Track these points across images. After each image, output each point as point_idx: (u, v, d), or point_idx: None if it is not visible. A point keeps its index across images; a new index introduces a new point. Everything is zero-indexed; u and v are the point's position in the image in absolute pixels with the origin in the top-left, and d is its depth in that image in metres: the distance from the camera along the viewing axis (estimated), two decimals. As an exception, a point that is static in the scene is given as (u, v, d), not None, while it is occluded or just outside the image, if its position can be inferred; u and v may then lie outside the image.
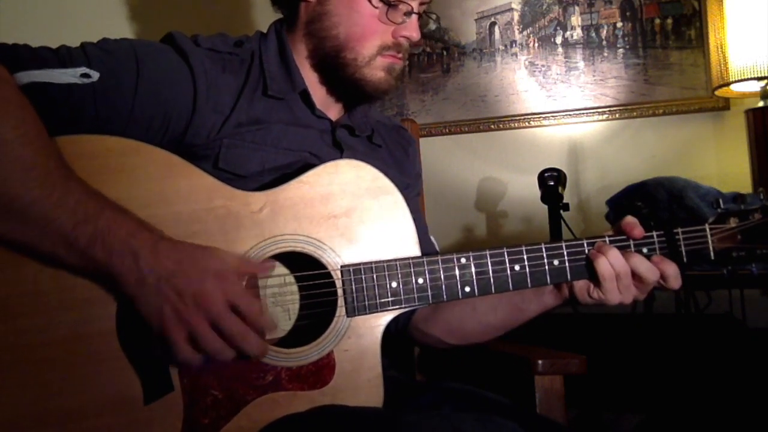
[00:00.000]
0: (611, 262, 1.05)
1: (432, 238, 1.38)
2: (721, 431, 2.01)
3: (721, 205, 1.09)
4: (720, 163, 2.59)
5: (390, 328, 1.05)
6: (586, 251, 1.08)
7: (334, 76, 1.19)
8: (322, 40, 1.18)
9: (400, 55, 1.20)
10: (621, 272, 1.05)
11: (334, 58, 1.17)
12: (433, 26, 1.25)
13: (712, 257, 1.09)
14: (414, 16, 1.18)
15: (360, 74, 1.17)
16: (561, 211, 2.09)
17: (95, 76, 0.99)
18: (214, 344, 0.90)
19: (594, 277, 1.06)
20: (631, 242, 1.08)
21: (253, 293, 1.00)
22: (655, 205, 1.93)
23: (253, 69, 1.15)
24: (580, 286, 1.10)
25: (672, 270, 1.06)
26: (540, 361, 1.30)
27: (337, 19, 1.16)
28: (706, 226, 1.09)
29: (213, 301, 0.88)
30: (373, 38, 1.16)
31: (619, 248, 1.06)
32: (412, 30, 1.18)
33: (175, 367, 0.95)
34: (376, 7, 1.15)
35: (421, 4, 1.20)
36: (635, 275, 1.05)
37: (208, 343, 0.89)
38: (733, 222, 1.09)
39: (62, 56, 0.99)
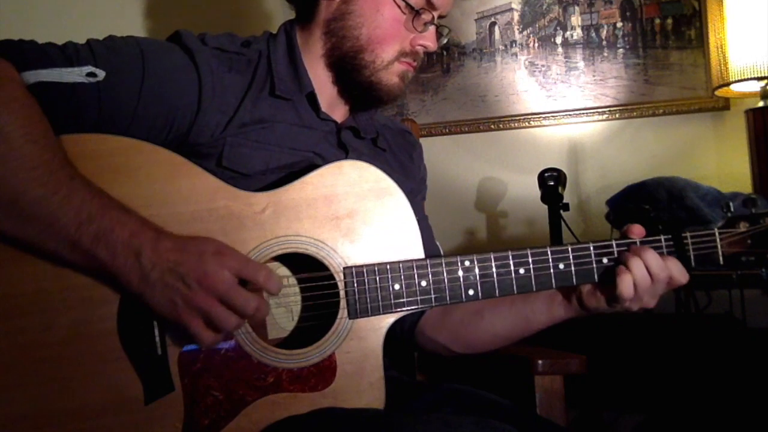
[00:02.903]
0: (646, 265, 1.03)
1: (437, 244, 1.37)
2: (721, 431, 2.01)
3: (731, 209, 1.08)
4: (720, 163, 2.59)
5: (395, 332, 1.05)
6: (592, 255, 1.07)
7: (349, 77, 1.19)
8: (342, 40, 1.17)
9: (415, 63, 1.21)
10: (651, 278, 1.03)
11: (351, 59, 1.17)
12: (444, 40, 1.25)
13: (721, 262, 1.07)
14: (432, 27, 1.19)
15: (376, 77, 1.17)
16: (561, 211, 2.09)
17: (101, 75, 0.99)
18: (229, 320, 0.90)
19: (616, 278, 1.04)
20: (638, 244, 1.07)
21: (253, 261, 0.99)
22: (655, 205, 1.94)
23: (259, 69, 1.14)
24: (589, 295, 1.10)
25: (674, 265, 1.05)
26: (540, 361, 1.30)
27: (362, 20, 1.16)
28: (716, 231, 1.08)
29: (217, 279, 0.88)
30: (394, 43, 1.17)
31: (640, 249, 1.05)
32: (430, 40, 1.19)
33: (177, 366, 0.95)
34: (404, 13, 1.16)
35: (439, 16, 1.20)
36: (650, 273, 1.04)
37: (224, 321, 0.90)
38: (742, 226, 1.07)
39: (69, 54, 0.99)
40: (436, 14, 1.18)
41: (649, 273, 1.03)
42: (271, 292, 0.95)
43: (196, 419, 0.95)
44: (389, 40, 1.16)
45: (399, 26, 1.16)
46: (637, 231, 1.09)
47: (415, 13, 1.16)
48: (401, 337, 1.27)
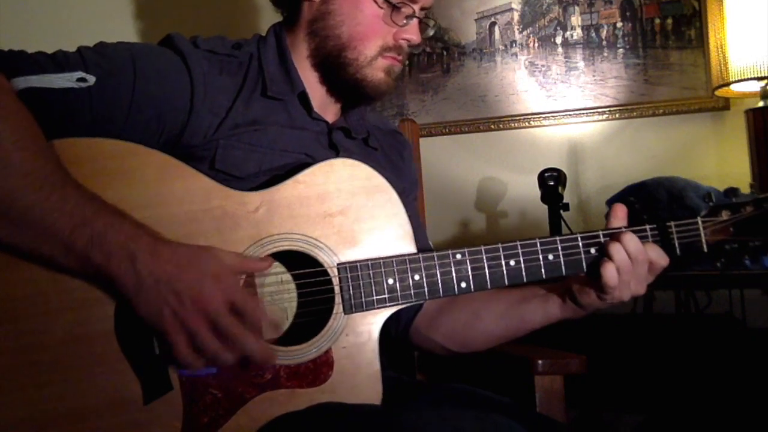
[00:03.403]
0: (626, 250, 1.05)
1: (430, 244, 1.38)
2: (721, 431, 2.01)
3: (713, 199, 1.10)
4: (720, 163, 2.58)
5: (390, 332, 1.05)
6: (581, 245, 1.08)
7: (335, 75, 1.20)
8: (325, 39, 1.19)
9: (400, 57, 1.21)
10: (631, 261, 1.05)
11: (336, 58, 1.18)
12: (430, 32, 1.26)
13: (705, 250, 1.09)
14: (415, 20, 1.20)
15: (361, 74, 1.18)
16: (561, 211, 2.09)
17: (91, 80, 1.00)
18: (212, 345, 0.90)
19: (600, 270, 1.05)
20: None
21: (252, 292, 1.00)
22: (655, 205, 1.93)
23: (251, 71, 1.16)
24: (581, 292, 1.10)
25: (652, 250, 1.06)
26: (540, 361, 1.31)
27: (341, 18, 1.17)
28: (698, 219, 1.09)
29: (211, 303, 0.89)
30: (375, 39, 1.18)
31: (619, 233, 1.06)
32: (413, 33, 1.20)
33: (174, 366, 0.95)
34: (381, 8, 1.17)
35: (422, 8, 1.21)
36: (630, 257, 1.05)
37: (207, 345, 0.89)
38: (725, 215, 1.09)
39: (59, 61, 1.00)
40: (416, 7, 1.19)
41: (628, 255, 1.04)
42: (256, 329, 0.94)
43: (195, 418, 0.96)
44: (370, 37, 1.17)
45: (379, 22, 1.17)
46: (619, 211, 1.10)
47: (394, 7, 1.17)
48: (396, 336, 1.28)
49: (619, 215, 1.10)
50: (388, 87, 1.21)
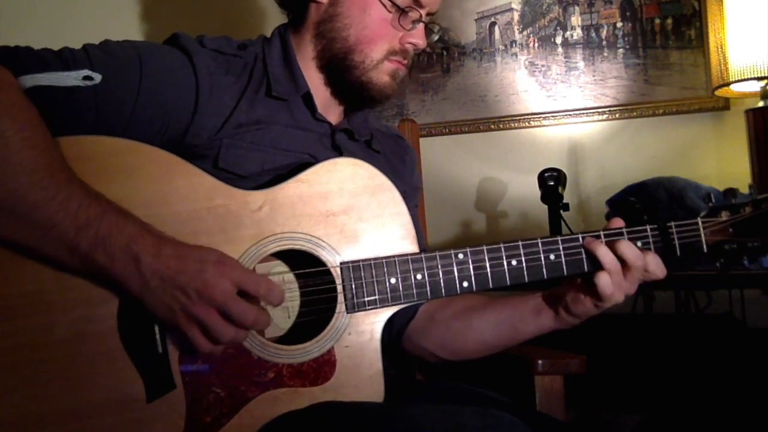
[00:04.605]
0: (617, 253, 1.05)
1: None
2: (721, 431, 2.02)
3: (713, 200, 1.11)
4: (720, 163, 2.59)
5: (383, 338, 1.05)
6: (582, 246, 1.08)
7: (341, 78, 1.20)
8: (332, 41, 1.19)
9: (405, 62, 1.22)
10: (624, 263, 1.05)
11: (342, 60, 1.18)
12: (435, 37, 1.27)
13: (705, 250, 1.10)
14: (421, 25, 1.20)
15: (367, 77, 1.18)
16: (561, 211, 2.09)
17: (97, 78, 1.00)
18: (225, 331, 0.90)
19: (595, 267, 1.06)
20: (625, 234, 1.09)
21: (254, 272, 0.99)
22: (655, 205, 1.94)
23: (255, 71, 1.16)
24: (575, 302, 1.10)
25: (652, 259, 1.06)
26: (540, 361, 1.31)
27: (349, 21, 1.17)
28: (699, 220, 1.10)
29: (216, 290, 0.89)
30: (382, 42, 1.18)
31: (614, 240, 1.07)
32: (419, 37, 1.20)
33: (177, 364, 0.95)
34: (389, 12, 1.17)
35: (428, 14, 1.21)
36: (624, 263, 1.05)
37: (221, 332, 0.90)
38: (724, 215, 1.10)
39: (65, 58, 1.00)
40: (423, 12, 1.19)
41: (625, 262, 1.04)
42: (272, 304, 0.96)
43: (198, 416, 0.96)
44: (377, 40, 1.17)
45: (386, 25, 1.17)
46: (616, 225, 1.10)
47: (402, 11, 1.17)
48: (389, 343, 1.27)
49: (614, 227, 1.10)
50: (393, 90, 1.22)
